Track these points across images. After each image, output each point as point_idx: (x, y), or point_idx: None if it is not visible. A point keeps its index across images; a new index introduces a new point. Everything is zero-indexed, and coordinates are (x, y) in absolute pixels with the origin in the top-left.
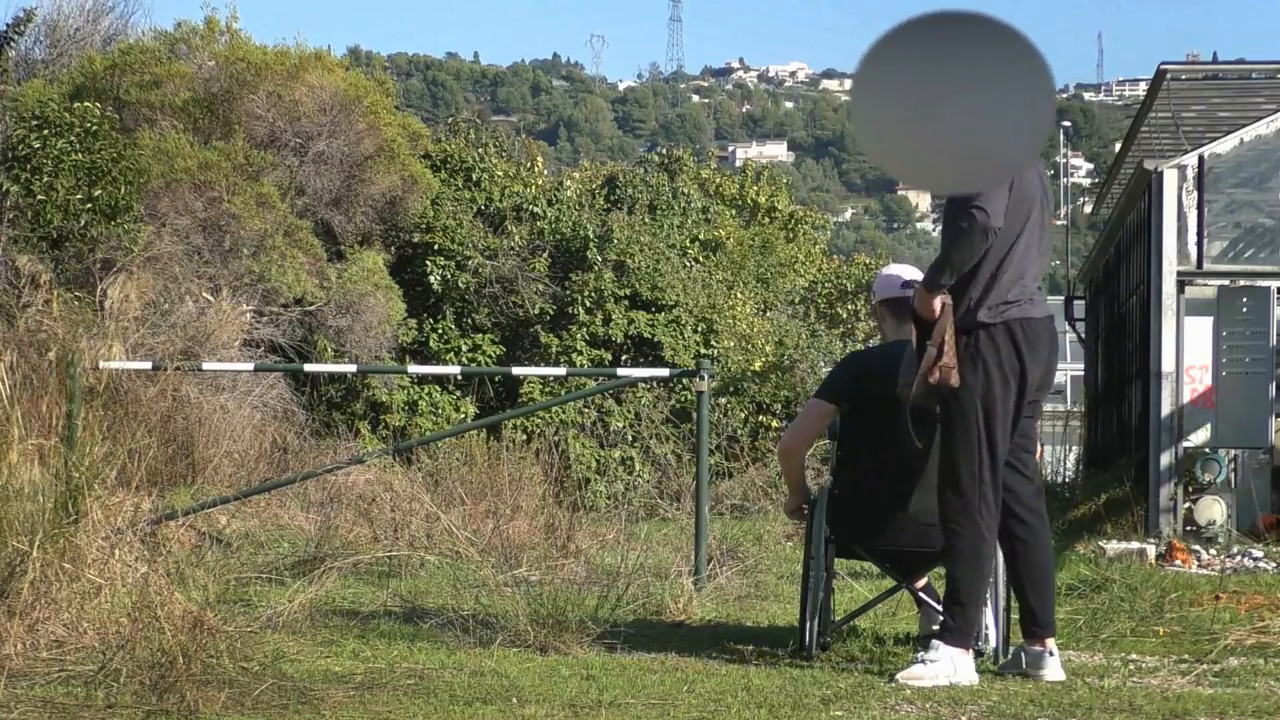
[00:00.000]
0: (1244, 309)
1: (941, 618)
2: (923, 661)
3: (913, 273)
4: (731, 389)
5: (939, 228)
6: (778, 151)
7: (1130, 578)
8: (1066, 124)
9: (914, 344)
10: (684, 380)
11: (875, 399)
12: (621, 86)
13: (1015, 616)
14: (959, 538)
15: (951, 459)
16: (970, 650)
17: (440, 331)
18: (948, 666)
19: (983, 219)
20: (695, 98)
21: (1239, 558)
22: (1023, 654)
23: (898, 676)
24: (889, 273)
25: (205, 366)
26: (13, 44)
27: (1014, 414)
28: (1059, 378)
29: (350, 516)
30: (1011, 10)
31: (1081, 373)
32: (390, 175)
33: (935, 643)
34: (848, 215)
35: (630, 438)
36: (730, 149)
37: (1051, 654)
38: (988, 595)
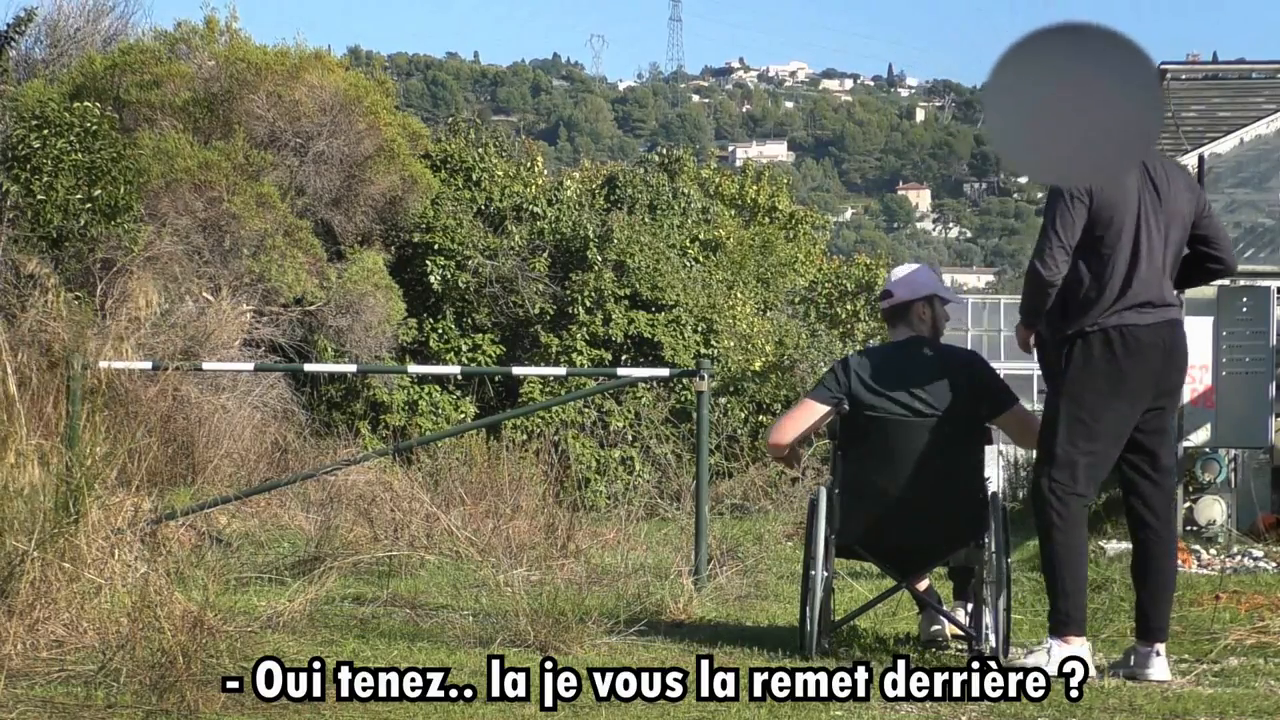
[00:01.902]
0: (1244, 309)
1: (943, 618)
2: (1031, 652)
3: (898, 273)
4: (731, 389)
5: (938, 228)
6: (778, 151)
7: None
8: None
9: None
10: (684, 380)
11: (872, 400)
12: (621, 86)
13: (1017, 617)
14: (1038, 523)
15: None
16: (1082, 639)
17: (440, 331)
18: (1048, 657)
19: (1037, 271)
20: (695, 98)
21: (1239, 558)
22: (1132, 654)
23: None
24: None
25: (205, 366)
26: (13, 44)
27: (1120, 421)
28: None
29: (350, 516)
30: (1013, 11)
31: None
32: (390, 175)
33: (1047, 637)
34: (848, 215)
35: (630, 438)
36: (730, 149)
37: (1158, 655)
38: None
